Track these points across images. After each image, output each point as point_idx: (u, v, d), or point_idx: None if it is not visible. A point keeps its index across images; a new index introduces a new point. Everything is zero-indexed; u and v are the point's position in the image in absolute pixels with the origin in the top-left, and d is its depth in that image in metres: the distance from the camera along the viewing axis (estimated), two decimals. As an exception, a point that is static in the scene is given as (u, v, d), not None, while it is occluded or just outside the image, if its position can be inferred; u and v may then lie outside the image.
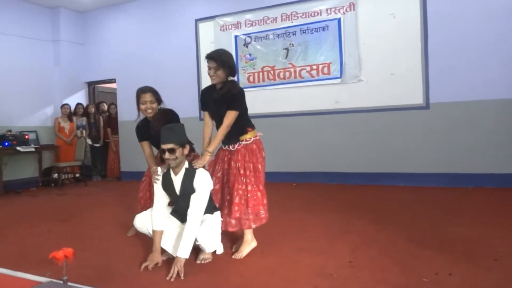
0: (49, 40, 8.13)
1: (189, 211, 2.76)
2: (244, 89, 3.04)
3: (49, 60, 8.13)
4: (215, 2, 7.11)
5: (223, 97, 3.00)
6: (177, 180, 2.88)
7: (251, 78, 6.77)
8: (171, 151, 2.74)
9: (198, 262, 2.90)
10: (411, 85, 5.74)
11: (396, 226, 3.65)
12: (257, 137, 3.17)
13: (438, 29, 5.56)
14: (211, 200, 2.95)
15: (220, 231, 2.99)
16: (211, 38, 7.13)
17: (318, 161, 6.37)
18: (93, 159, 8.19)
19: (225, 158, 3.16)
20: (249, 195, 3.02)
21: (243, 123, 3.11)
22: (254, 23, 6.75)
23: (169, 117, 3.31)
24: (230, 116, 2.97)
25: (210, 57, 2.98)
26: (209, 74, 3.01)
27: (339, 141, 6.19)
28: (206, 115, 3.22)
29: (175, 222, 3.03)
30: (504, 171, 5.28)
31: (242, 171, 3.03)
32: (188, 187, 2.83)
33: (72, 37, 8.34)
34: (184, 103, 7.23)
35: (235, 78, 3.18)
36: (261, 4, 6.68)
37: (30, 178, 7.49)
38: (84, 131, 7.87)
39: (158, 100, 3.34)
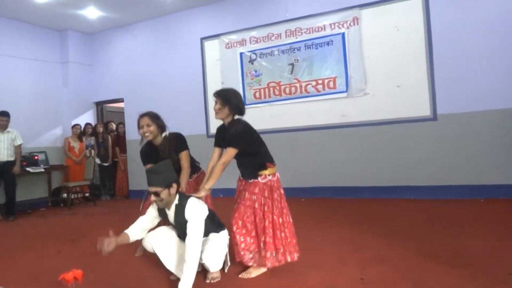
0: (58, 62, 8.27)
1: (186, 242, 2.69)
2: (251, 105, 3.07)
3: (58, 82, 8.25)
4: (220, 20, 7.20)
5: (228, 132, 3.04)
6: (171, 214, 2.88)
7: (257, 94, 6.80)
8: (156, 194, 2.72)
9: (207, 281, 2.88)
10: (417, 97, 5.73)
11: (407, 240, 3.60)
12: (276, 176, 3.11)
13: (442, 40, 5.57)
14: (214, 220, 2.95)
15: (226, 250, 2.98)
16: (216, 56, 7.20)
17: (327, 176, 6.34)
18: (102, 178, 8.22)
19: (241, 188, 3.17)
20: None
21: (262, 159, 3.07)
22: (259, 40, 6.81)
23: (173, 142, 3.38)
24: (227, 153, 2.98)
25: (216, 94, 3.06)
26: (214, 109, 3.07)
27: (347, 155, 6.16)
28: (215, 151, 3.25)
29: (176, 240, 3.01)
30: (516, 182, 5.21)
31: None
32: (181, 219, 2.80)
33: (80, 58, 8.48)
34: (191, 120, 7.30)
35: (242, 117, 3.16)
36: (265, 21, 6.76)
37: (39, 198, 7.52)
38: (92, 151, 7.93)
39: (158, 123, 3.38)
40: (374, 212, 5.04)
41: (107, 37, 8.47)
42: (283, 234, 2.97)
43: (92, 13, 7.41)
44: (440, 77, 5.59)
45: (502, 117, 5.28)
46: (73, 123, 8.07)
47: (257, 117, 6.79)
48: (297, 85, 6.49)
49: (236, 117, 3.09)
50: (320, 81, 6.32)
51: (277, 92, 6.67)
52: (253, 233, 2.95)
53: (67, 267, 2.53)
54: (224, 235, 3.01)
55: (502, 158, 5.29)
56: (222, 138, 3.15)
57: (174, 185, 2.78)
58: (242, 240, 2.92)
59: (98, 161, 7.98)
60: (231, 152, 2.97)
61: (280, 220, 2.99)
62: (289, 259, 2.98)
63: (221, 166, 2.98)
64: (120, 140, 8.30)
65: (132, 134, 8.08)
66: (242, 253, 2.93)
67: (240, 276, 2.98)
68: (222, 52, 7.14)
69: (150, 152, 3.42)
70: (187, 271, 2.62)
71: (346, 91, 6.16)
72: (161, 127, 3.43)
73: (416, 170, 5.76)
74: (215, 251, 2.85)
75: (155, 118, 3.39)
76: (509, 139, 5.24)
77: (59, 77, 8.28)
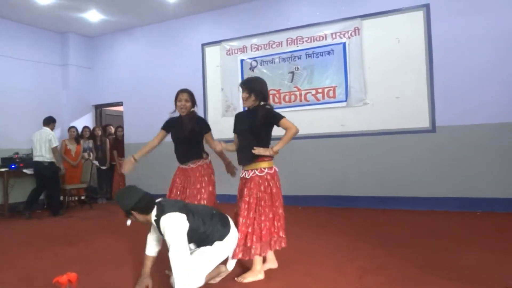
0: (58, 64, 8.27)
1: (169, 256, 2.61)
2: None
3: (58, 84, 8.25)
4: (221, 26, 7.23)
5: (250, 115, 3.21)
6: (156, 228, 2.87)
7: (257, 101, 6.80)
8: (127, 216, 2.83)
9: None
10: (417, 108, 5.75)
11: (404, 251, 3.60)
12: (273, 169, 3.19)
13: (442, 53, 5.60)
14: (204, 233, 2.78)
15: (208, 265, 2.78)
16: (217, 62, 7.22)
17: (324, 184, 6.33)
18: (99, 182, 8.20)
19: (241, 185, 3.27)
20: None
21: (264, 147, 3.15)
22: (260, 47, 6.84)
23: (198, 117, 3.70)
24: (287, 123, 3.11)
25: (242, 84, 3.27)
26: (242, 97, 3.28)
27: (345, 164, 6.16)
28: (235, 136, 3.42)
29: None
30: (513, 195, 5.22)
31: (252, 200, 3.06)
32: (161, 233, 2.78)
33: (81, 61, 8.49)
34: (190, 126, 7.28)
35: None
36: (266, 28, 6.79)
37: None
38: (91, 154, 7.91)
39: (193, 101, 3.69)
40: (371, 222, 5.03)
41: (108, 41, 8.49)
42: (279, 224, 3.10)
43: (93, 16, 7.43)
44: (440, 89, 5.62)
45: (501, 130, 5.30)
46: (71, 125, 8.05)
47: (256, 124, 6.81)
48: (297, 93, 6.51)
49: (262, 103, 3.23)
50: (320, 90, 6.34)
51: (276, 100, 6.68)
52: (250, 229, 3.00)
53: (63, 270, 2.51)
54: (215, 247, 2.80)
55: (500, 172, 5.30)
56: (240, 121, 3.33)
57: (134, 213, 2.76)
58: (243, 236, 2.99)
59: (96, 164, 7.96)
60: (286, 121, 3.11)
61: (280, 211, 3.13)
62: (277, 247, 3.09)
63: (293, 131, 3.07)
64: (118, 143, 8.29)
65: (131, 138, 8.08)
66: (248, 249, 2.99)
67: (235, 278, 3.01)
68: (222, 58, 7.16)
69: (178, 123, 3.66)
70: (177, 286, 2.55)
71: (345, 101, 6.17)
72: (194, 105, 3.72)
73: (414, 181, 5.77)
74: (178, 269, 2.58)
75: (192, 96, 3.70)
76: (507, 153, 5.26)
77: (59, 79, 8.29)
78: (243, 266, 3.26)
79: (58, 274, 2.39)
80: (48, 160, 6.56)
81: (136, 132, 8.05)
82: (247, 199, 3.05)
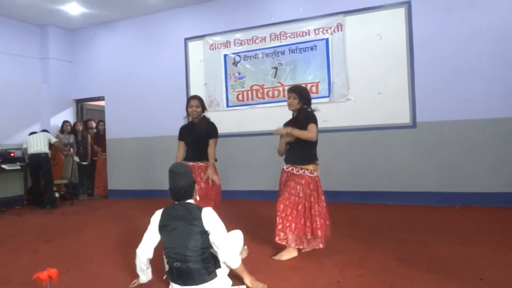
0: (37, 58, 8.10)
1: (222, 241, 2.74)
2: (233, 108, 3.39)
3: (37, 78, 8.09)
4: (205, 21, 7.18)
5: (297, 118, 3.59)
6: None
7: (240, 97, 6.81)
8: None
9: None
10: (398, 104, 5.83)
11: (384, 245, 3.66)
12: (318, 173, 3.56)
13: (423, 50, 5.68)
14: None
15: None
16: (200, 57, 7.18)
17: (307, 179, 6.36)
18: (81, 177, 8.09)
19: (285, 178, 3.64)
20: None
21: (312, 152, 3.57)
22: (243, 42, 6.83)
23: (209, 125, 4.01)
24: (313, 129, 3.40)
25: (290, 90, 3.64)
26: (288, 102, 3.64)
27: (327, 159, 6.17)
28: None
29: None
30: (491, 190, 5.34)
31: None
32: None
33: (61, 54, 8.33)
34: (172, 120, 7.22)
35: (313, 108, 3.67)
36: (250, 23, 6.77)
37: (15, 196, 7.34)
38: (71, 149, 7.79)
39: (203, 107, 4.03)
40: (352, 216, 5.09)
41: (89, 34, 8.35)
42: (326, 222, 3.48)
43: (74, 9, 7.29)
44: (421, 86, 5.70)
45: (479, 126, 5.41)
46: (52, 120, 7.93)
47: (239, 119, 6.81)
48: (280, 88, 6.53)
49: (305, 106, 3.57)
50: (303, 86, 6.36)
51: (260, 95, 6.69)
52: (301, 220, 3.38)
53: (43, 266, 2.48)
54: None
55: (478, 167, 5.42)
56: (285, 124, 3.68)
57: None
58: (280, 221, 3.36)
59: (77, 159, 7.86)
60: (314, 127, 3.41)
61: (323, 210, 3.50)
62: (321, 246, 3.40)
63: (308, 135, 3.39)
64: (100, 138, 8.18)
65: (113, 132, 7.99)
66: (278, 233, 3.36)
67: (273, 257, 3.40)
68: (206, 53, 7.13)
69: (189, 127, 4.07)
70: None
71: (328, 96, 6.22)
72: (204, 110, 4.04)
73: (394, 176, 5.85)
74: (233, 249, 2.82)
75: (202, 102, 4.03)
76: (485, 148, 5.38)
77: (39, 73, 8.12)
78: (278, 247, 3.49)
79: (38, 271, 2.35)
80: (46, 152, 6.87)
81: (118, 127, 7.96)
82: (293, 191, 3.41)
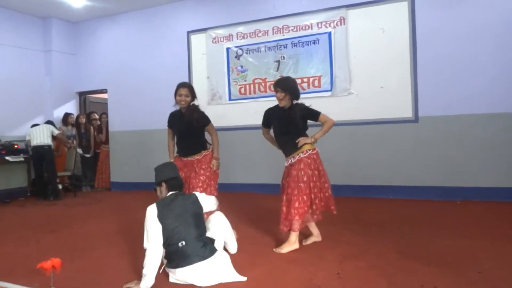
0: (40, 50, 8.12)
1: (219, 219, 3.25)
2: (235, 101, 3.37)
3: (40, 70, 8.11)
4: (207, 14, 7.18)
5: (288, 115, 3.55)
6: None
7: (242, 90, 6.82)
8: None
9: None
10: (400, 98, 5.82)
11: (384, 238, 3.69)
12: (316, 150, 3.58)
13: (426, 44, 5.67)
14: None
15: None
16: (203, 50, 7.18)
17: (309, 173, 6.38)
18: (84, 170, 8.14)
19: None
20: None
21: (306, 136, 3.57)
22: (245, 36, 6.82)
23: (199, 110, 3.86)
24: (325, 116, 3.53)
25: (275, 85, 3.59)
26: (277, 97, 3.58)
27: (329, 153, 6.18)
28: (264, 130, 3.96)
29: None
30: (492, 185, 5.34)
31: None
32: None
33: (64, 47, 8.34)
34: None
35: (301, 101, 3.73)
36: (253, 17, 6.77)
37: (19, 188, 7.40)
38: (74, 141, 7.83)
39: (193, 95, 3.84)
40: (353, 210, 5.11)
41: (92, 27, 8.36)
42: (327, 194, 3.56)
43: (77, 1, 7.29)
44: (423, 80, 5.69)
45: (482, 121, 5.41)
46: (55, 112, 7.96)
47: (241, 112, 6.83)
48: (283, 82, 6.52)
49: (294, 102, 3.57)
50: (305, 79, 6.37)
51: (262, 89, 6.70)
52: (307, 203, 3.41)
53: (46, 256, 2.51)
54: None
55: (479, 162, 5.42)
56: (278, 118, 3.65)
57: (162, 184, 3.04)
58: (285, 211, 3.44)
59: (80, 151, 7.90)
60: (324, 115, 3.54)
61: (326, 184, 3.57)
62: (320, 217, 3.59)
63: (330, 123, 3.52)
64: (103, 131, 8.21)
65: (115, 125, 8.02)
66: (283, 222, 3.47)
67: (274, 250, 3.41)
68: (208, 46, 7.13)
69: (177, 116, 3.90)
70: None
71: (330, 90, 6.22)
72: (193, 99, 3.86)
73: (396, 170, 5.87)
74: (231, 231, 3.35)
75: (192, 90, 3.85)
76: (487, 143, 5.38)
77: (42, 65, 8.14)
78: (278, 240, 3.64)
79: (42, 261, 2.39)
80: (49, 144, 6.92)
81: (121, 120, 7.99)
82: (295, 179, 3.40)
